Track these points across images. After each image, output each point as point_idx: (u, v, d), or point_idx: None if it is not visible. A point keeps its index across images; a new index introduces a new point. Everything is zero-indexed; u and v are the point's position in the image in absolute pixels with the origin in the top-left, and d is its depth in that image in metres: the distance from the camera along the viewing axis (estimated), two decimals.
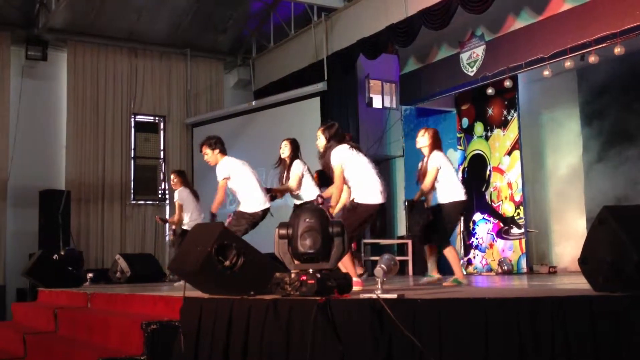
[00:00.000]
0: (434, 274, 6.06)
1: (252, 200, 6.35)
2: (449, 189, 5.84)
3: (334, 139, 5.10)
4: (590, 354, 2.83)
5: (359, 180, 5.00)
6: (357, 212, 4.94)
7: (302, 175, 6.60)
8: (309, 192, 6.58)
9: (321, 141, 5.15)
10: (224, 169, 6.42)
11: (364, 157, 5.08)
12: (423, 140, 6.04)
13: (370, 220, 5.15)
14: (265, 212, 6.39)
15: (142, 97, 12.53)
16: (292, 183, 6.58)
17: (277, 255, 3.62)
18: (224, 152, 6.57)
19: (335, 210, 5.18)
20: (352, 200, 5.03)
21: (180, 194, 8.21)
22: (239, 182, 6.41)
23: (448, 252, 5.84)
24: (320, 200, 6.43)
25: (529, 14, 8.29)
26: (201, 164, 9.02)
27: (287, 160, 6.74)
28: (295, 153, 6.76)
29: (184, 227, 8.05)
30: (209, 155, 6.54)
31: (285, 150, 6.75)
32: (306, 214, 3.59)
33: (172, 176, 8.58)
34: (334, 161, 5.01)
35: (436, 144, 6.02)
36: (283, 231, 3.60)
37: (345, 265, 4.64)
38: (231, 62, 13.60)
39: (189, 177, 10.38)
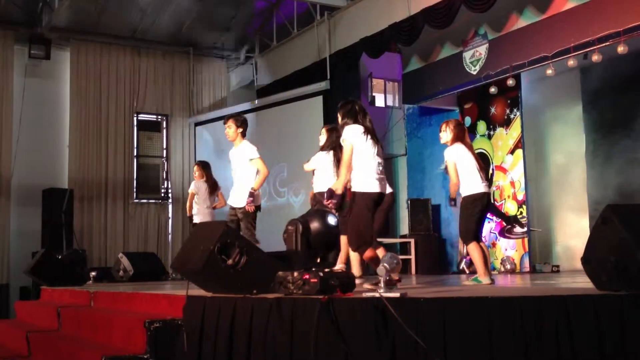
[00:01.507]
0: (481, 278, 5.42)
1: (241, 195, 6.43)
2: (465, 182, 5.63)
3: (348, 117, 4.97)
4: (594, 353, 2.83)
5: (355, 165, 4.75)
6: (355, 202, 4.65)
7: (317, 168, 6.35)
8: (324, 183, 6.18)
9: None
10: (255, 149, 6.44)
11: (371, 144, 4.82)
12: (445, 135, 5.82)
13: (369, 210, 4.68)
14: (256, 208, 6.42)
15: (145, 96, 12.53)
16: (305, 166, 6.46)
17: (284, 252, 3.64)
18: (244, 135, 6.61)
19: (335, 185, 4.75)
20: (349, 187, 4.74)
21: (197, 185, 8.49)
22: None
23: (470, 249, 5.54)
24: None
25: (532, 12, 8.28)
26: None
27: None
28: (331, 142, 6.28)
29: (194, 220, 8.30)
30: (232, 130, 6.54)
31: (321, 139, 6.43)
32: (313, 213, 3.61)
33: (195, 168, 8.79)
34: (343, 136, 4.81)
35: (459, 135, 5.77)
36: (292, 227, 3.63)
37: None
38: (234, 60, 13.60)
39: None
